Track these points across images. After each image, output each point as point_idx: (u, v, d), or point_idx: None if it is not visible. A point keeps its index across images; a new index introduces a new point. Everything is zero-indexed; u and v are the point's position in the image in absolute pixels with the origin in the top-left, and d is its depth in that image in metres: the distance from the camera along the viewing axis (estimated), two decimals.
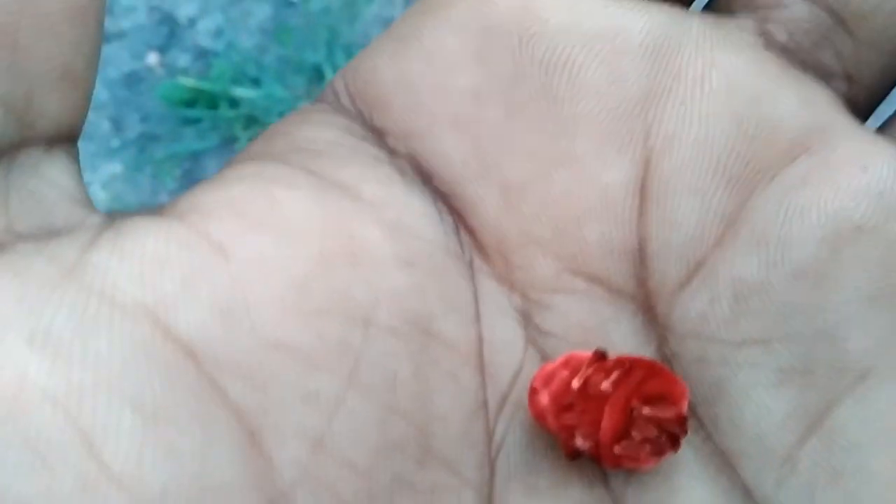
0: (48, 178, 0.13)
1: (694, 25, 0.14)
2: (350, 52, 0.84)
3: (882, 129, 0.15)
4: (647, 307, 0.14)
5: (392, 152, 0.15)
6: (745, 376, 0.13)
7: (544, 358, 0.14)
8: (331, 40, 0.85)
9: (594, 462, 0.14)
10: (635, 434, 0.13)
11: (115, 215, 0.13)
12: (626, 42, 0.14)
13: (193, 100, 0.84)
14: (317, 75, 0.85)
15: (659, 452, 0.13)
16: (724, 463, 0.13)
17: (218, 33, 0.87)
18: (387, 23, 0.86)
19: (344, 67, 0.15)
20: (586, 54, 0.14)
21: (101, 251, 0.12)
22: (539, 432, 0.14)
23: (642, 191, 0.14)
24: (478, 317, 0.14)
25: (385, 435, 0.13)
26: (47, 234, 0.13)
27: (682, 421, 0.13)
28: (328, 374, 0.13)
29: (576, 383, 0.13)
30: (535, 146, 0.14)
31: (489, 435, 0.14)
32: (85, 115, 0.13)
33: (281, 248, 0.13)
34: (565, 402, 0.13)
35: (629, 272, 0.14)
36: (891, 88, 0.15)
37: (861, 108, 0.15)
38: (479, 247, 0.14)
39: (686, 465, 0.14)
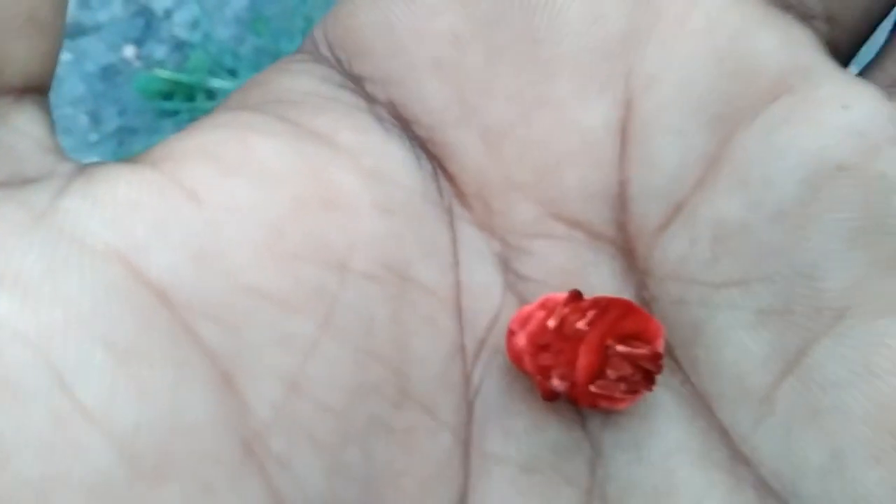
0: (18, 128, 0.13)
1: None
2: None
3: (862, 73, 0.15)
4: (627, 250, 0.14)
5: (371, 99, 0.15)
6: (724, 317, 0.13)
7: (523, 303, 0.14)
8: (306, 29, 0.84)
9: (571, 404, 0.14)
10: (610, 373, 0.13)
11: (87, 165, 0.13)
12: None
13: (171, 92, 0.84)
14: None
15: (634, 391, 0.13)
16: (702, 404, 0.14)
17: (194, 24, 0.86)
18: None
19: (324, 17, 0.15)
20: None
21: (73, 197, 0.12)
22: (517, 375, 0.14)
23: (623, 133, 0.14)
24: (456, 262, 0.14)
25: (361, 377, 0.13)
26: (19, 181, 0.12)
27: (656, 358, 0.13)
28: (303, 318, 0.13)
29: (551, 323, 0.13)
30: (515, 89, 0.14)
31: (467, 378, 0.14)
32: (54, 64, 0.13)
33: (255, 193, 0.13)
34: (541, 343, 0.13)
35: (609, 215, 0.14)
36: (872, 31, 0.15)
37: (842, 51, 0.15)
38: (459, 193, 0.14)
39: (663, 406, 0.14)
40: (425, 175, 0.14)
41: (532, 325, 0.13)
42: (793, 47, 0.14)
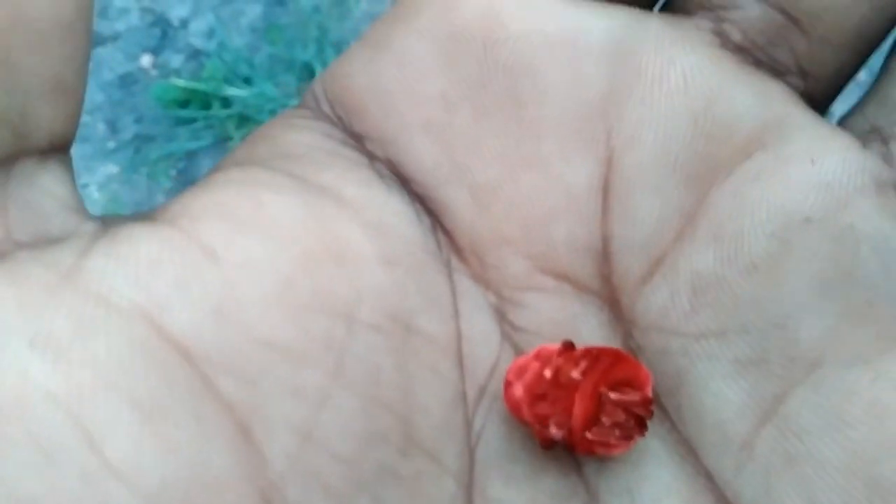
0: (44, 188, 0.13)
1: (652, 25, 0.15)
2: (340, 50, 0.84)
3: (845, 118, 0.15)
4: (613, 302, 0.15)
5: (371, 156, 0.15)
6: (704, 367, 0.14)
7: (518, 352, 0.15)
8: (320, 38, 0.85)
9: (568, 451, 0.14)
10: (605, 419, 0.14)
11: (109, 221, 0.14)
12: (587, 44, 0.14)
13: (187, 100, 0.84)
14: (307, 73, 0.85)
15: (628, 436, 0.14)
16: (688, 450, 0.14)
17: (210, 34, 0.87)
18: (376, 19, 0.86)
19: (322, 73, 0.16)
20: (548, 58, 0.14)
21: (97, 256, 0.13)
22: (515, 423, 0.14)
23: (605, 190, 0.14)
24: (456, 313, 0.14)
25: (370, 426, 0.13)
26: (45, 241, 0.13)
27: (647, 404, 0.14)
28: (315, 369, 0.13)
29: (547, 373, 0.14)
30: (502, 149, 0.15)
31: (468, 425, 0.14)
32: (77, 124, 0.14)
33: (267, 249, 0.13)
34: (538, 393, 0.14)
35: (594, 269, 0.14)
36: (846, 82, 0.15)
37: (818, 103, 0.15)
38: (455, 247, 0.15)
39: (653, 452, 0.14)
40: (424, 229, 0.15)
41: (528, 376, 0.14)
42: (766, 103, 0.14)
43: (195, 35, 0.87)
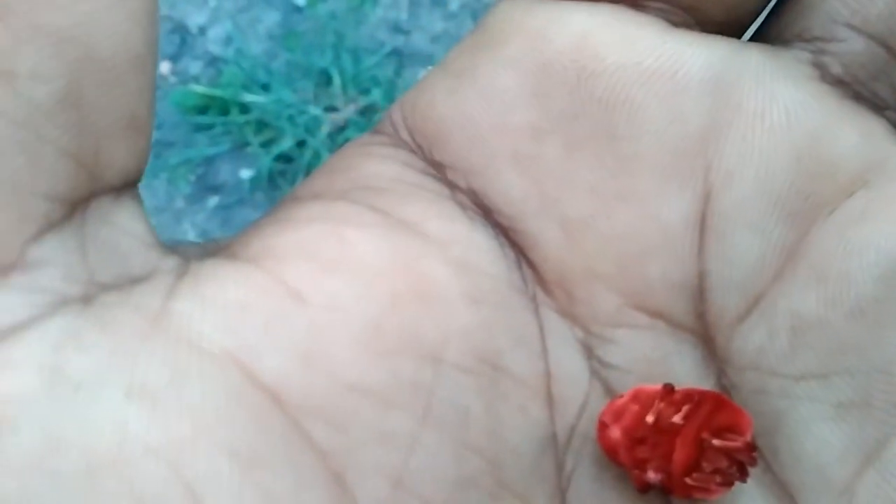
0: (120, 226, 0.13)
1: (752, 58, 0.14)
2: (357, 56, 0.85)
3: None
4: (707, 339, 0.14)
5: (453, 187, 0.15)
6: (804, 409, 0.14)
7: (608, 390, 0.14)
8: (337, 44, 0.85)
9: (664, 493, 0.14)
10: (706, 465, 0.14)
11: (188, 253, 0.14)
12: (686, 78, 0.14)
13: (205, 106, 0.85)
14: (324, 79, 0.85)
15: (728, 482, 0.14)
16: (784, 493, 0.14)
17: (228, 41, 0.87)
18: (393, 26, 0.87)
19: (401, 100, 0.15)
20: (645, 92, 0.14)
21: (184, 300, 0.13)
22: (607, 464, 0.14)
23: (702, 226, 0.14)
24: (544, 351, 0.14)
25: (460, 470, 0.13)
26: (127, 281, 0.13)
27: (750, 450, 0.14)
28: (403, 413, 0.13)
29: (650, 418, 0.14)
30: (594, 183, 0.14)
31: (559, 467, 0.14)
32: (147, 159, 0.13)
33: (354, 290, 0.13)
34: (638, 437, 0.14)
35: (689, 306, 0.14)
36: None
37: None
38: (541, 281, 0.14)
39: (749, 494, 0.14)
40: (509, 263, 0.14)
41: (627, 419, 0.14)
42: (870, 141, 0.14)
43: (213, 42, 0.88)
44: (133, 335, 0.12)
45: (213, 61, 0.87)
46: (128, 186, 0.13)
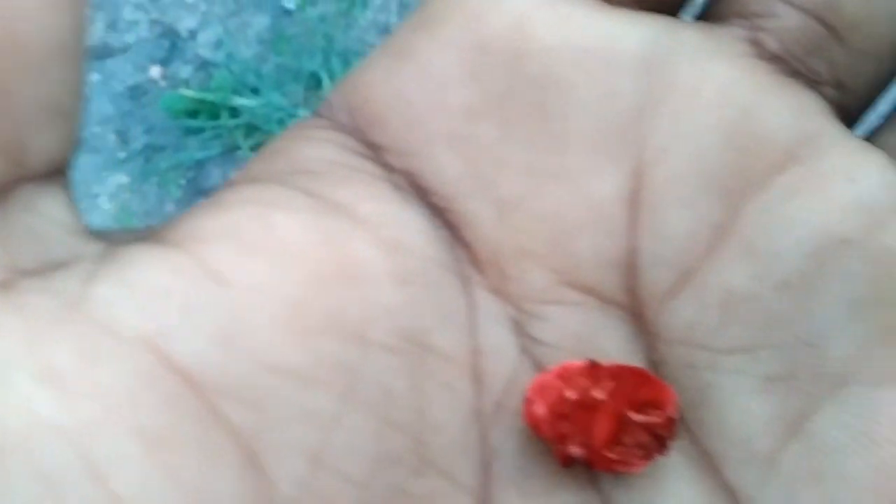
0: (44, 213, 0.13)
1: (687, 36, 0.14)
2: (346, 59, 0.85)
3: (870, 137, 0.15)
4: (637, 315, 0.14)
5: (389, 168, 0.15)
6: (731, 382, 0.14)
7: (537, 366, 0.14)
8: (327, 48, 0.85)
9: (586, 466, 0.14)
10: (627, 440, 0.14)
11: (114, 239, 0.14)
12: (619, 56, 0.14)
13: (196, 110, 0.85)
14: (314, 83, 0.85)
15: (649, 456, 0.14)
16: (710, 465, 0.14)
17: (218, 45, 0.87)
18: (383, 29, 0.87)
19: (341, 82, 0.15)
20: (578, 71, 0.14)
21: (103, 284, 0.13)
22: (532, 438, 0.14)
23: (634, 203, 0.14)
24: (473, 328, 0.14)
25: (382, 447, 0.13)
26: (50, 267, 0.13)
27: (670, 425, 0.14)
28: (325, 393, 0.13)
29: (571, 395, 0.14)
30: (528, 162, 0.14)
31: (484, 441, 0.14)
32: (75, 146, 0.13)
33: (276, 272, 0.13)
34: (560, 412, 0.14)
35: (620, 282, 0.14)
36: (880, 95, 0.15)
37: (850, 115, 0.15)
38: (474, 260, 0.15)
39: (673, 466, 0.14)
40: (442, 242, 0.14)
41: (551, 395, 0.14)
42: (801, 117, 0.14)
43: (204, 46, 0.88)
44: (48, 319, 0.12)
45: (203, 65, 0.88)
46: (54, 173, 0.13)
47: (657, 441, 0.14)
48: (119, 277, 0.13)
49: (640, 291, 0.14)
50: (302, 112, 0.83)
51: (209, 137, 0.85)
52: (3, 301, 0.12)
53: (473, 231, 0.15)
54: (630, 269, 0.14)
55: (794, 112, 0.14)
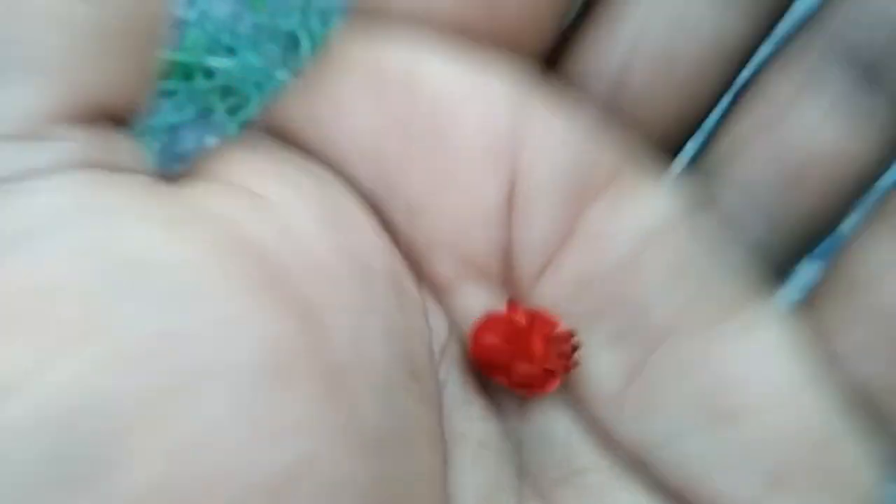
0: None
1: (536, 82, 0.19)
2: (324, 18, 0.83)
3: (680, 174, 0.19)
4: (517, 292, 0.19)
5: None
6: (587, 339, 0.19)
7: (458, 328, 0.19)
8: (305, 6, 0.84)
9: (510, 392, 0.19)
10: (553, 350, 0.18)
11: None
12: (494, 93, 0.19)
13: (167, 72, 0.83)
14: (291, 42, 0.84)
15: (566, 367, 0.18)
16: (578, 405, 0.19)
17: (190, 2, 0.86)
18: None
19: (261, 114, 0.19)
20: (464, 104, 0.18)
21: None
22: (468, 375, 0.19)
23: (510, 205, 0.19)
24: (421, 300, 0.18)
25: (391, 349, 0.16)
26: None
27: (575, 347, 0.18)
28: (357, 288, 0.16)
29: (520, 320, 0.18)
30: (428, 173, 0.18)
31: (436, 374, 0.18)
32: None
33: (295, 207, 0.17)
34: (508, 338, 0.18)
35: (502, 268, 0.19)
36: (687, 137, 0.19)
37: (669, 144, 0.19)
38: (400, 251, 0.18)
39: (553, 403, 0.19)
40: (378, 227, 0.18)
41: (497, 328, 0.18)
42: (621, 145, 0.19)
43: (175, 3, 0.86)
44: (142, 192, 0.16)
45: (175, 24, 0.85)
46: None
47: (564, 362, 0.18)
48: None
49: (516, 273, 0.19)
50: (279, 73, 0.82)
51: (183, 100, 0.84)
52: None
53: (392, 229, 0.18)
54: (508, 256, 0.19)
55: (617, 146, 0.19)
